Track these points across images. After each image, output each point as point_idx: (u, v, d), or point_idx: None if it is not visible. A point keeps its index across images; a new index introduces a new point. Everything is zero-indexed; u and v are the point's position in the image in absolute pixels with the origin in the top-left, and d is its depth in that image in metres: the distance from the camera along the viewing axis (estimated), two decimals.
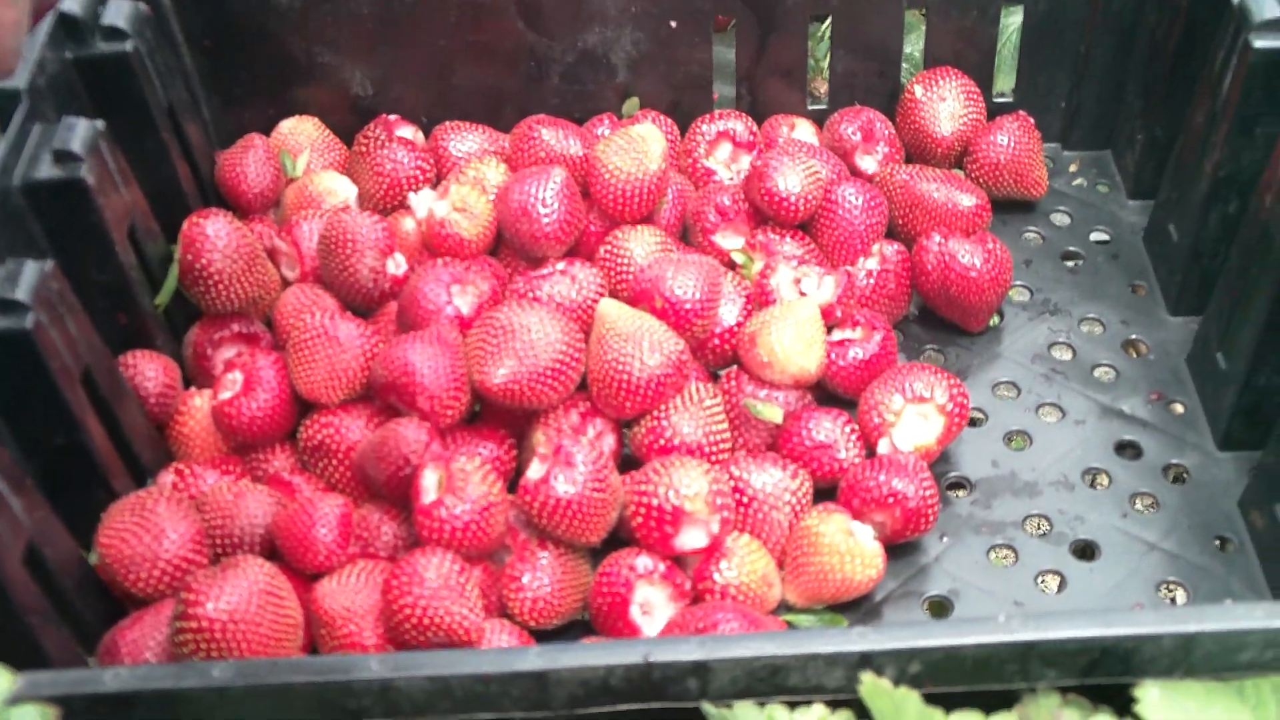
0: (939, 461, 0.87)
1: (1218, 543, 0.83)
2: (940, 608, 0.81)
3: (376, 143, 1.01)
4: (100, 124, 0.82)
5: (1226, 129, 0.88)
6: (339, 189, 0.99)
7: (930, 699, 0.57)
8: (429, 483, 0.77)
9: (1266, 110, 0.86)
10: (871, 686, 0.56)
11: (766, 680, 0.60)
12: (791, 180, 0.94)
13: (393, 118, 1.03)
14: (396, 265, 0.92)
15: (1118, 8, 1.01)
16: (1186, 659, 0.59)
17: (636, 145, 0.93)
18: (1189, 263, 0.94)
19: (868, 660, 0.59)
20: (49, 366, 0.73)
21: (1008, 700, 0.59)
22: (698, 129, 1.02)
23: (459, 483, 0.76)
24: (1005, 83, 1.11)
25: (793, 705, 0.59)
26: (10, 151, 0.79)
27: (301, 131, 1.04)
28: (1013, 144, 1.02)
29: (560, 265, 0.90)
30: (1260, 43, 0.84)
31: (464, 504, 0.75)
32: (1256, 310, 0.82)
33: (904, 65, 1.08)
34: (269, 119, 1.04)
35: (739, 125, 1.01)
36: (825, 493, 0.83)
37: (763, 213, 0.95)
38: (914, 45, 1.14)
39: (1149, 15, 1.00)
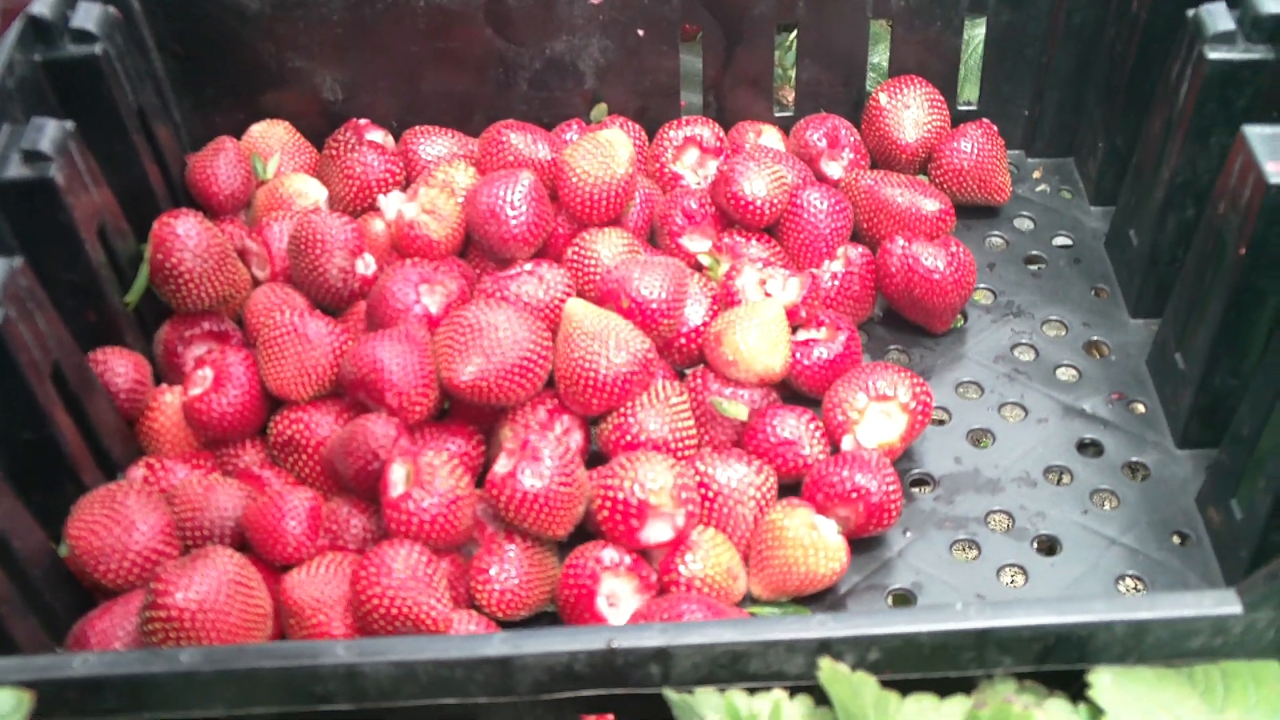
0: (903, 458, 0.88)
1: (1176, 538, 0.84)
2: (903, 600, 0.82)
3: (346, 146, 1.02)
4: (70, 125, 0.83)
5: (1182, 138, 0.89)
6: (309, 191, 1.00)
7: (889, 685, 0.58)
8: (397, 476, 0.77)
9: (1220, 120, 0.87)
10: (830, 671, 0.57)
11: (728, 667, 0.60)
12: (757, 184, 0.95)
13: (363, 122, 1.04)
14: (365, 265, 0.92)
15: (1078, 20, 1.03)
16: (1139, 646, 0.60)
17: (604, 150, 0.94)
18: (1148, 267, 0.96)
19: (827, 647, 0.59)
20: (17, 361, 0.73)
21: (965, 686, 0.60)
22: (665, 134, 1.03)
23: (426, 476, 0.76)
24: (970, 91, 1.12)
25: (753, 691, 0.60)
26: None
27: (272, 135, 1.04)
28: (976, 151, 1.03)
29: (528, 266, 0.90)
30: (1214, 54, 0.86)
31: (432, 497, 0.76)
32: (1211, 313, 0.84)
33: (870, 75, 1.09)
34: (240, 123, 1.05)
35: (706, 131, 1.03)
36: (790, 488, 0.84)
37: (729, 216, 0.97)
38: (880, 55, 1.16)
39: (1108, 28, 1.01)
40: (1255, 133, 0.80)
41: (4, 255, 0.75)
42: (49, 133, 0.81)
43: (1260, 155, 0.79)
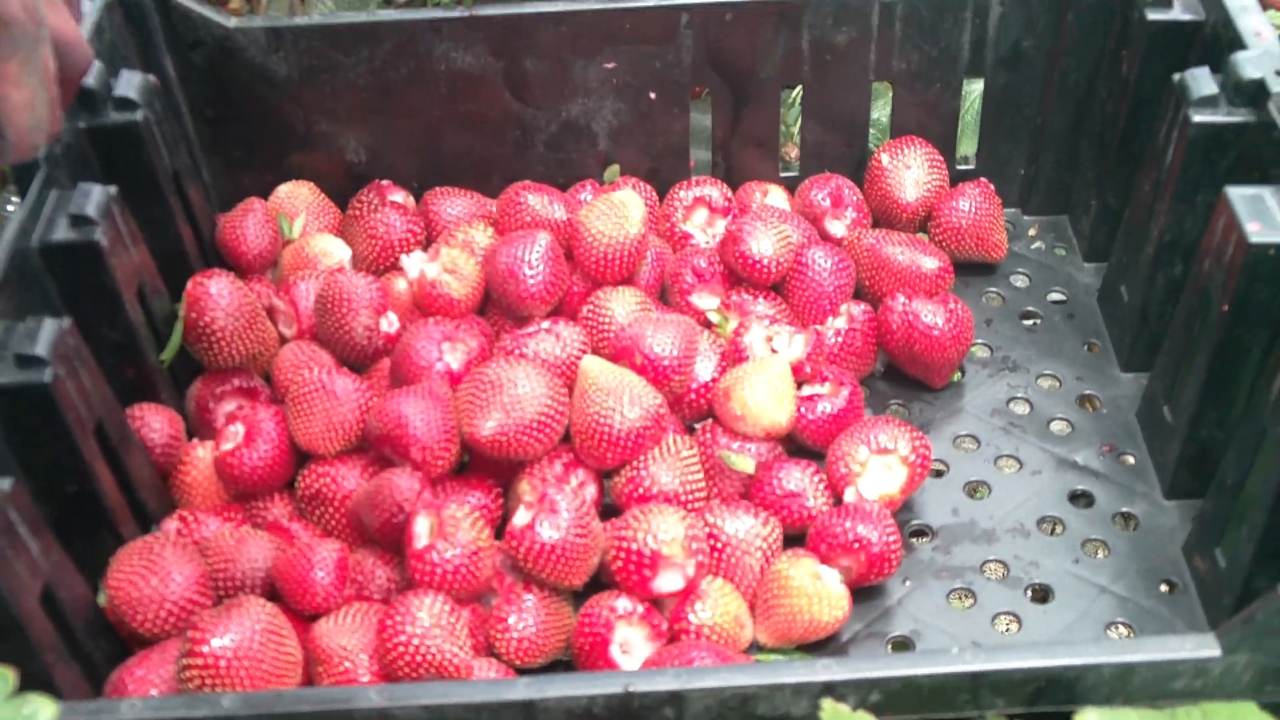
0: (902, 510, 0.91)
1: (1164, 586, 0.88)
2: (903, 647, 0.85)
3: (370, 207, 1.06)
4: (113, 189, 0.87)
5: (1170, 198, 0.94)
6: (334, 251, 1.04)
7: None
8: (421, 529, 0.81)
9: (1205, 180, 0.91)
10: (831, 711, 0.61)
11: (737, 709, 0.64)
12: (764, 244, 0.99)
13: (385, 183, 1.08)
14: (389, 323, 0.97)
15: (1072, 83, 1.07)
16: (1125, 687, 0.64)
17: (617, 210, 0.99)
18: (1139, 322, 1.00)
19: (831, 689, 0.63)
20: (65, 418, 0.77)
21: None
22: (675, 195, 1.07)
23: (449, 529, 0.80)
24: (968, 148, 1.17)
25: None
26: (29, 215, 0.84)
27: (298, 196, 1.09)
28: (974, 209, 1.08)
29: (545, 324, 0.95)
30: (1198, 117, 0.90)
31: (454, 549, 0.80)
32: (1198, 368, 0.88)
33: (871, 130, 1.13)
34: (267, 184, 1.10)
35: (714, 191, 1.07)
36: (795, 538, 0.88)
37: (737, 275, 1.01)
38: (881, 110, 1.20)
39: (1100, 91, 1.06)
40: (1237, 194, 0.84)
41: (52, 315, 0.79)
42: (94, 198, 0.85)
43: (1242, 215, 0.83)
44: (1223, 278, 0.84)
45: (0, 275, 0.80)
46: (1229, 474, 0.83)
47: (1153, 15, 0.98)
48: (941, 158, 1.10)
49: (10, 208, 0.91)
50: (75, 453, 0.79)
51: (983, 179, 1.10)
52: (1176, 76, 0.93)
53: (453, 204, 1.08)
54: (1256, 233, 0.81)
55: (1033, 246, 1.12)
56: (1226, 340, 0.85)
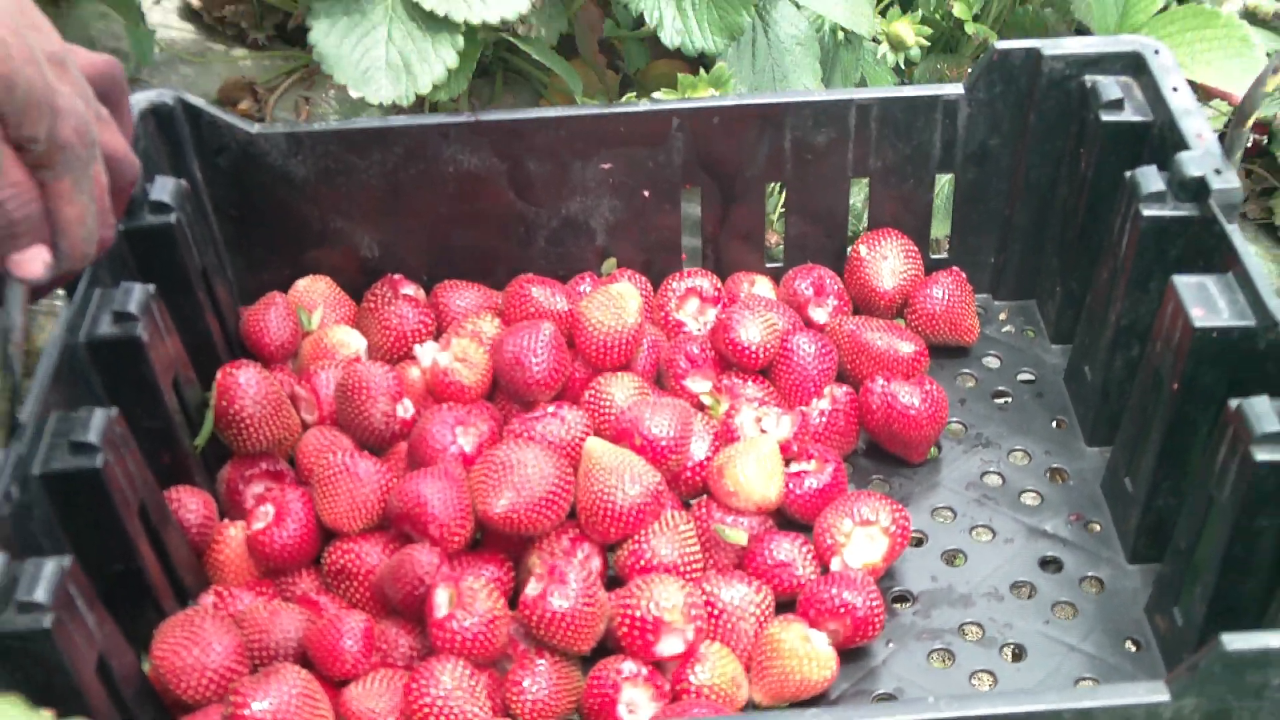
0: (885, 577, 0.98)
1: (1129, 644, 0.95)
2: None
3: (384, 300, 1.14)
4: (151, 288, 0.95)
5: (1125, 284, 1.02)
6: (351, 341, 1.12)
7: None
8: (441, 599, 0.88)
9: (1156, 269, 0.99)
10: None
11: None
12: (752, 331, 1.07)
13: (397, 277, 1.16)
14: (405, 410, 1.04)
15: (1035, 178, 1.16)
16: None
17: (615, 301, 1.06)
18: (1101, 400, 1.07)
19: None
20: (114, 500, 0.84)
21: None
22: (669, 286, 1.15)
23: (468, 599, 0.87)
24: (941, 231, 1.25)
25: None
26: (76, 313, 0.91)
27: (316, 290, 1.16)
28: (947, 296, 1.15)
29: (551, 408, 1.02)
30: (1148, 211, 0.98)
31: (472, 617, 0.87)
32: (1153, 442, 0.95)
33: (850, 220, 1.21)
34: (286, 278, 1.17)
35: (705, 282, 1.15)
36: (786, 605, 0.95)
37: (727, 360, 1.08)
38: (857, 196, 1.28)
39: (1061, 186, 1.14)
40: (1183, 282, 0.92)
41: (98, 405, 0.86)
42: (136, 296, 0.93)
43: (1187, 302, 0.90)
44: (1172, 359, 0.92)
45: (52, 369, 0.87)
46: (1182, 539, 0.91)
47: (1106, 117, 1.07)
48: (916, 248, 1.18)
49: (59, 303, 0.98)
50: (122, 533, 0.86)
51: (955, 268, 1.18)
52: (1128, 174, 1.01)
53: (461, 296, 1.15)
54: (1200, 318, 0.89)
55: (1003, 330, 1.20)
56: (1177, 416, 0.93)
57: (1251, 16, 1.65)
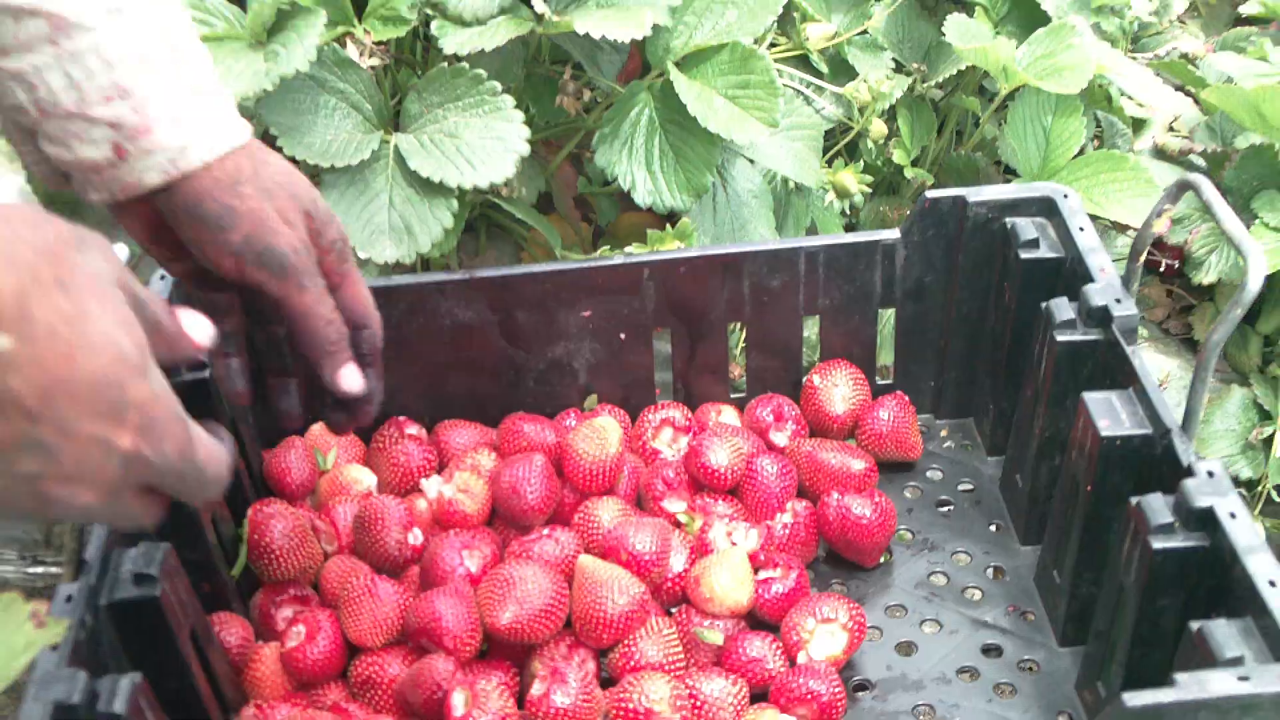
0: (846, 667, 1.11)
1: (1062, 717, 1.08)
2: None
3: (391, 440, 1.27)
4: None
5: (1045, 402, 1.16)
6: (363, 478, 1.25)
7: None
8: (458, 701, 1.00)
9: (1070, 388, 1.14)
10: None
11: None
12: (721, 456, 1.21)
13: (402, 419, 1.29)
14: (416, 537, 1.17)
15: (966, 310, 1.31)
16: None
17: (598, 434, 1.20)
18: (1031, 504, 1.21)
19: None
20: (171, 625, 0.97)
21: None
22: (645, 417, 1.29)
23: (482, 699, 1.00)
24: (885, 359, 1.39)
25: None
26: None
27: (329, 432, 1.29)
28: (893, 418, 1.29)
29: (545, 530, 1.15)
30: (1061, 337, 1.13)
31: (487, 715, 0.99)
32: (1074, 539, 1.09)
33: (805, 350, 1.36)
34: (304, 422, 1.30)
35: (677, 413, 1.29)
36: (759, 695, 1.08)
37: (699, 482, 1.22)
38: (810, 330, 1.42)
39: (989, 316, 1.29)
40: (1091, 397, 1.06)
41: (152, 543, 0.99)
42: None
43: (1096, 415, 1.05)
44: (1085, 465, 1.06)
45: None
46: (1101, 622, 1.04)
47: (1025, 255, 1.22)
48: (864, 375, 1.32)
49: None
50: (177, 653, 0.98)
51: (899, 392, 1.32)
52: (1044, 304, 1.16)
53: (460, 434, 1.29)
54: (1106, 428, 1.04)
55: (944, 445, 1.34)
56: (1092, 515, 1.07)
57: (1161, 153, 1.83)
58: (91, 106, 0.85)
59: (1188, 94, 1.95)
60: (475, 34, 1.34)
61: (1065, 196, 1.25)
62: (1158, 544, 0.94)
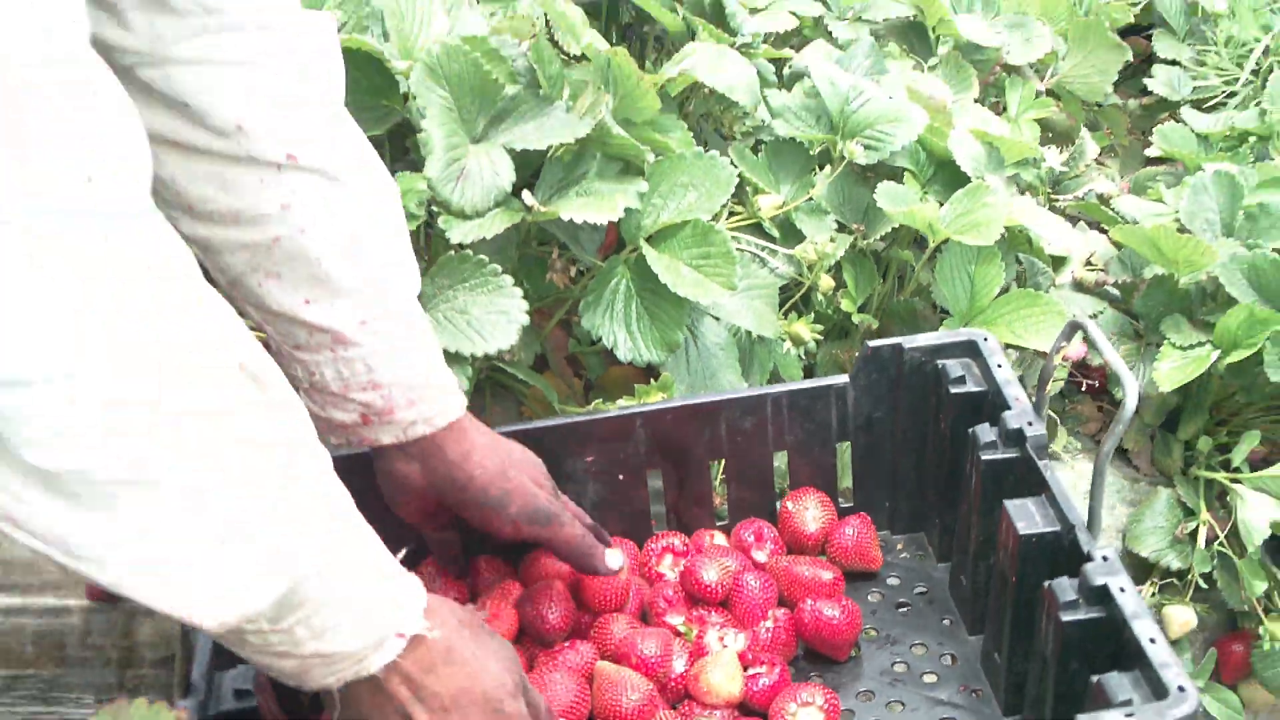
0: None
1: None
2: None
3: (429, 577, 1.49)
4: None
5: (977, 512, 1.39)
6: None
7: None
8: None
9: (996, 500, 1.37)
10: None
11: None
12: (712, 573, 1.43)
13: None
14: None
15: (910, 439, 1.54)
16: None
17: None
18: (974, 600, 1.43)
19: None
20: None
21: None
22: (648, 546, 1.51)
23: None
24: (845, 484, 1.62)
25: None
26: None
27: None
28: (856, 534, 1.52)
29: (567, 644, 1.37)
30: (985, 457, 1.37)
31: None
32: (1007, 625, 1.31)
33: (777, 479, 1.58)
34: None
35: (675, 540, 1.50)
36: None
37: (695, 596, 1.44)
38: (780, 462, 1.64)
39: (930, 443, 1.52)
40: (1011, 504, 1.29)
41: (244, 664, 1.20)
42: None
43: (1015, 518, 1.28)
44: (1010, 560, 1.29)
45: (210, 641, 1.21)
46: (1032, 690, 1.26)
47: (954, 390, 1.46)
48: (830, 499, 1.55)
49: None
50: None
51: (861, 512, 1.55)
52: (970, 430, 1.40)
53: (490, 568, 1.50)
54: (1024, 529, 1.27)
55: (900, 556, 1.57)
56: (1019, 601, 1.29)
57: (1080, 286, 2.09)
58: (351, 392, 1.18)
59: (1103, 230, 2.22)
60: (476, 225, 1.57)
61: (985, 340, 1.49)
62: (1065, 617, 1.17)
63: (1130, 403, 1.23)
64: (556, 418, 1.53)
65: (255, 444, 0.88)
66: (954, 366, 1.48)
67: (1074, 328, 1.35)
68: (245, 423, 0.87)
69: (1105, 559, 1.19)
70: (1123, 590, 1.16)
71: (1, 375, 0.72)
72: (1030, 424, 1.36)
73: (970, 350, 1.50)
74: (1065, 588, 1.19)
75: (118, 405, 0.77)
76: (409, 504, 1.30)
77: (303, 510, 0.92)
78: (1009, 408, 1.39)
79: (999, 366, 1.45)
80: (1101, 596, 1.17)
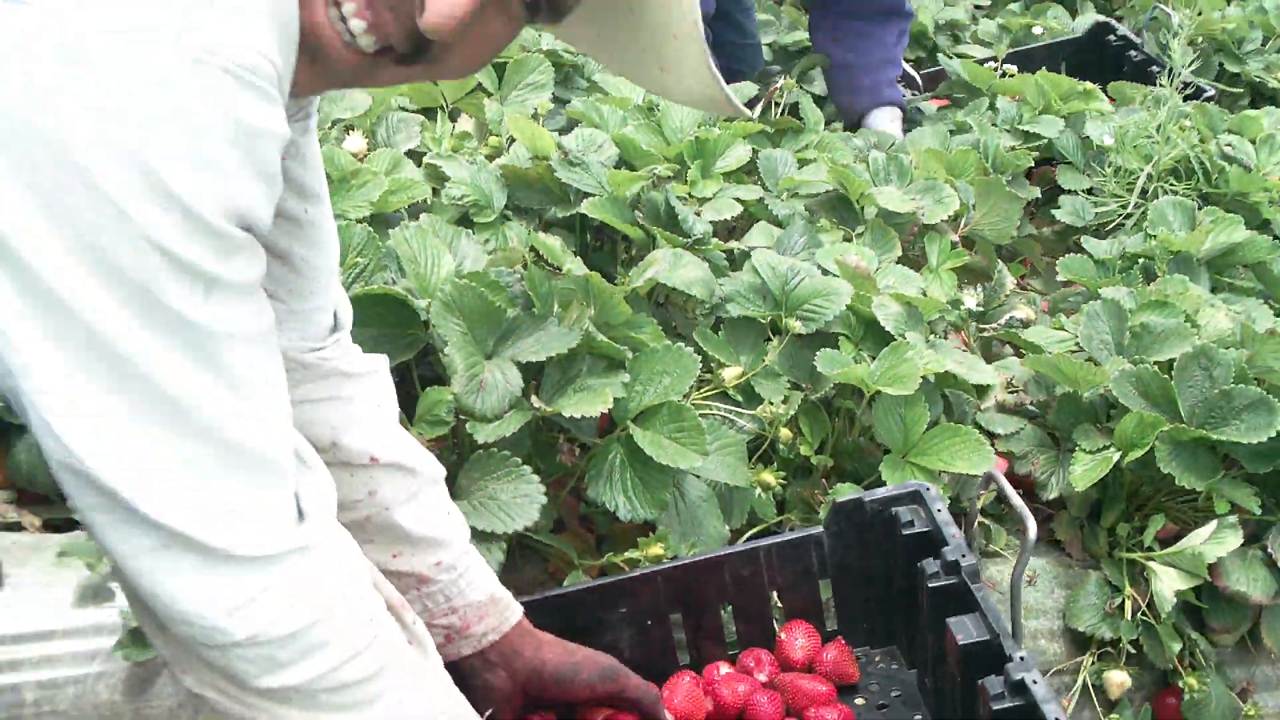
0: None
1: None
2: None
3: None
4: None
5: (929, 628, 1.78)
6: None
7: None
8: None
9: (941, 618, 1.75)
10: None
11: None
12: (729, 694, 1.81)
13: None
14: None
15: (877, 573, 1.91)
16: None
17: None
18: (938, 698, 1.81)
19: None
20: None
21: None
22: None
23: None
24: (829, 613, 2.00)
25: None
26: None
27: None
28: (838, 654, 1.90)
29: None
30: (931, 584, 1.76)
31: None
32: (961, 716, 1.70)
33: (772, 614, 1.97)
34: None
35: (686, 678, 1.89)
36: None
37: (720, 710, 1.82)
38: (774, 599, 2.03)
39: (894, 576, 1.91)
40: (953, 621, 1.68)
41: None
42: None
43: (955, 632, 1.66)
44: (955, 665, 1.68)
45: None
46: None
47: (905, 532, 1.84)
48: (814, 629, 1.93)
49: None
50: None
51: (839, 638, 1.93)
52: (919, 564, 1.79)
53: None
54: (962, 640, 1.66)
55: (879, 665, 1.94)
56: (966, 697, 1.68)
57: (1003, 408, 2.46)
58: (435, 618, 1.57)
59: (1020, 354, 2.59)
60: (496, 427, 1.94)
61: (928, 489, 1.89)
62: (995, 706, 1.56)
63: (1031, 534, 1.64)
64: (596, 579, 1.91)
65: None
66: (904, 513, 1.87)
67: (987, 480, 1.75)
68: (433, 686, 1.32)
69: (1022, 659, 1.58)
70: (1035, 682, 1.55)
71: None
72: (964, 556, 1.76)
73: (917, 498, 1.89)
74: (994, 683, 1.58)
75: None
76: (502, 709, 1.64)
77: None
78: (947, 544, 1.78)
79: (939, 510, 1.85)
80: (1021, 689, 1.56)
